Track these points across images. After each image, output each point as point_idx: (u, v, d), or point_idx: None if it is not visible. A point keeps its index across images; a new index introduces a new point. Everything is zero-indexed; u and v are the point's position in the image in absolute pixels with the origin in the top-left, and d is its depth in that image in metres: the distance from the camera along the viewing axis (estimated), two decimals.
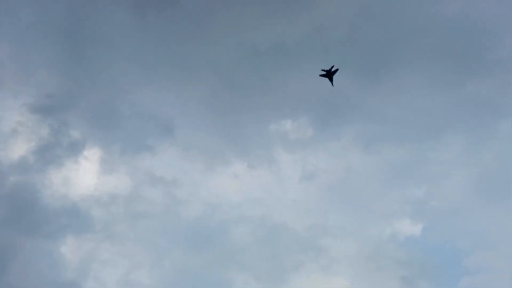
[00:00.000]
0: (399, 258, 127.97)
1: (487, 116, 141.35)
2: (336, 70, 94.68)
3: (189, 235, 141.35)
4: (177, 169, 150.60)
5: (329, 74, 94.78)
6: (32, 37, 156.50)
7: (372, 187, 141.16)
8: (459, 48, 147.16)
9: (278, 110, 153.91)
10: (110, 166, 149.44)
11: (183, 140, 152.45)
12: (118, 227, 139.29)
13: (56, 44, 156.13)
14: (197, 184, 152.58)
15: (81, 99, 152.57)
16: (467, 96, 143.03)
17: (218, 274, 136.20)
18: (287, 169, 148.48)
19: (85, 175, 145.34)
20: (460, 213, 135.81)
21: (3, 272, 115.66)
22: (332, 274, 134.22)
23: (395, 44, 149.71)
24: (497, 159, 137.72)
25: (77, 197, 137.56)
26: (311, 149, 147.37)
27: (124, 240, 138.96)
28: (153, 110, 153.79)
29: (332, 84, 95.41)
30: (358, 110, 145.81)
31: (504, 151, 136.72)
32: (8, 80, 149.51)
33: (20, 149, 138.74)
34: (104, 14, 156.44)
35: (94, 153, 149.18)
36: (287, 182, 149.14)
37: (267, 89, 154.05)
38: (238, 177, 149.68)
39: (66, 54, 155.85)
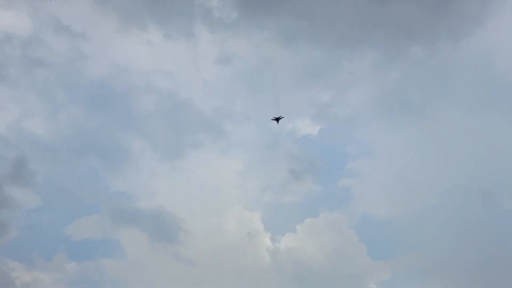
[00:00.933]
0: (292, 153, 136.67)
1: (402, 38, 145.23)
2: (282, 117, 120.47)
3: (90, 94, 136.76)
4: (87, 21, 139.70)
5: (277, 120, 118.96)
6: None
7: (283, 83, 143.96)
8: None
9: None
10: (8, 1, 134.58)
11: None
12: (12, 71, 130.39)
13: None
14: (107, 42, 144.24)
15: None
16: (389, 15, 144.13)
17: (116, 138, 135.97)
18: (204, 47, 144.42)
19: None
20: (356, 122, 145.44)
21: None
22: (228, 157, 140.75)
23: None
24: (401, 79, 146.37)
25: None
26: (233, 33, 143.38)
27: (18, 85, 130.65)
28: None
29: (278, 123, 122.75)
30: (286, 3, 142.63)
31: (409, 73, 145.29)
32: None
33: None
34: None
35: None
36: (201, 61, 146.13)
37: None
38: (152, 45, 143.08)
39: None
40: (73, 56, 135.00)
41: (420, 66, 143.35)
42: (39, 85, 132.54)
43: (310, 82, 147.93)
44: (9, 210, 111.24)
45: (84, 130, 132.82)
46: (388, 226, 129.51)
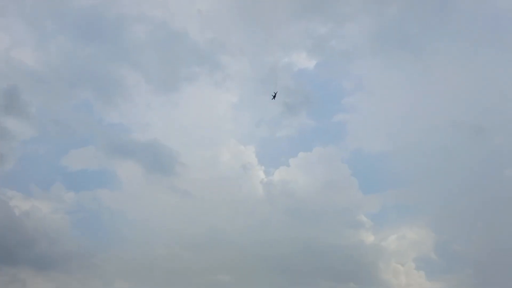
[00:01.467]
0: (288, 87, 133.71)
1: None
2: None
3: (81, 23, 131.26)
4: None
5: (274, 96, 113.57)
6: None
7: (279, 14, 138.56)
8: None
9: None
10: None
11: None
12: None
13: None
14: None
15: None
16: None
17: (108, 69, 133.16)
18: None
19: None
20: (353, 57, 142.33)
21: None
22: (223, 90, 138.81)
23: None
24: (401, 13, 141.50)
25: None
26: None
27: (5, 13, 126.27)
28: None
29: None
30: None
31: (409, 7, 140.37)
32: None
33: None
34: None
35: None
36: None
37: None
38: None
39: None
40: None
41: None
42: (26, 13, 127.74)
43: (307, 14, 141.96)
44: (4, 140, 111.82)
45: (75, 61, 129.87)
46: (380, 161, 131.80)
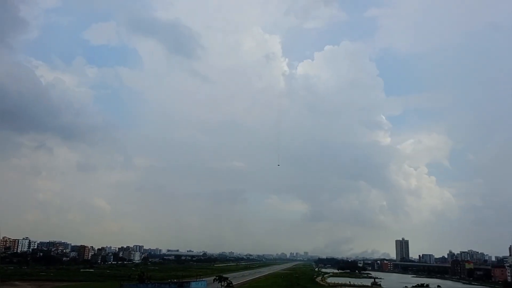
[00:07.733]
0: None
1: None
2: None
3: None
4: None
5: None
6: None
7: None
8: None
9: None
10: None
11: None
12: None
13: None
14: None
15: None
16: None
17: None
18: None
19: None
20: None
21: None
22: None
23: None
24: None
25: None
26: None
27: None
28: None
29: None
30: None
31: None
32: None
33: None
34: None
35: None
36: None
37: None
38: None
39: None
40: None
41: None
42: None
43: None
44: (28, 6, 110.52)
45: None
46: (409, 62, 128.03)
